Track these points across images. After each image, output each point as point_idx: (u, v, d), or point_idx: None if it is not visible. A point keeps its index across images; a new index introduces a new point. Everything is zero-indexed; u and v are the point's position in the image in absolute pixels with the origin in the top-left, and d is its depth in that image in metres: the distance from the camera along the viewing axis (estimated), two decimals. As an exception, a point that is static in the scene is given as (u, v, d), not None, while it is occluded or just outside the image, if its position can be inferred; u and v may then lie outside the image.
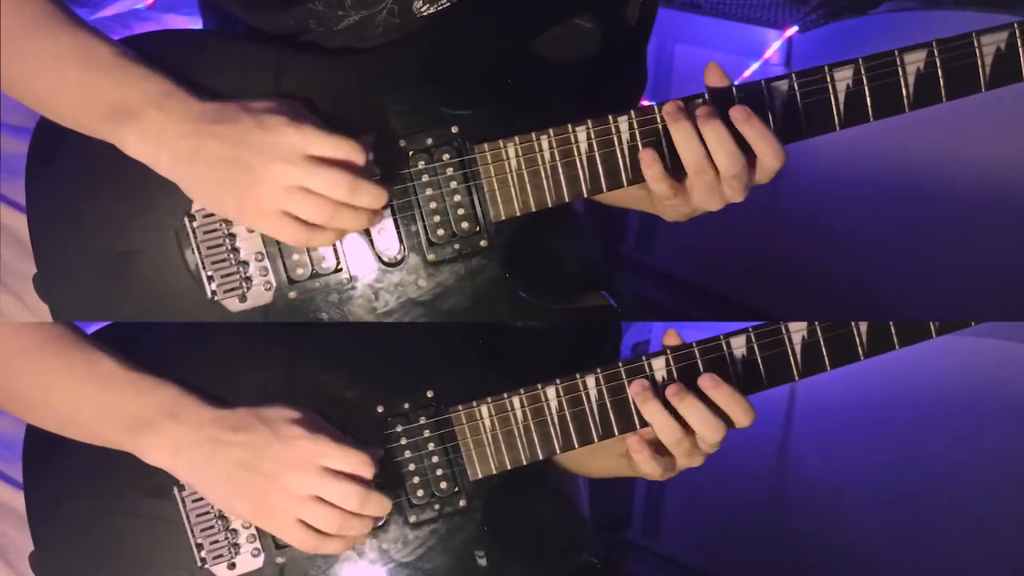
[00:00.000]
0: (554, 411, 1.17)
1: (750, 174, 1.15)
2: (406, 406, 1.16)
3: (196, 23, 1.34)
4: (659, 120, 1.15)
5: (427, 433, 1.16)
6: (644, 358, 1.18)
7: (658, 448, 1.17)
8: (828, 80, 1.16)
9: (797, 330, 1.18)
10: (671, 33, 2.65)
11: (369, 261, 1.15)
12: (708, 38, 2.64)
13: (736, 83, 1.17)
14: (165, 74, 1.08)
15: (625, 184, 1.16)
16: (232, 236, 1.14)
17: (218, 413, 1.11)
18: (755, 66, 2.51)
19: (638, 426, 1.18)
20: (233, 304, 1.15)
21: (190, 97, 1.08)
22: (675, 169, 1.15)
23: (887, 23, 2.31)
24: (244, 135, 1.06)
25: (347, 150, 1.06)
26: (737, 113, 1.13)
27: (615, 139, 1.15)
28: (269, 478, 1.08)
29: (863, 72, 1.16)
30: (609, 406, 1.17)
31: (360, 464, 1.09)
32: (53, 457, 1.17)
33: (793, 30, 2.48)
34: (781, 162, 1.14)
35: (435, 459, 1.16)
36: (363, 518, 1.10)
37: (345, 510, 1.09)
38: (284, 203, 1.06)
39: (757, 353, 1.18)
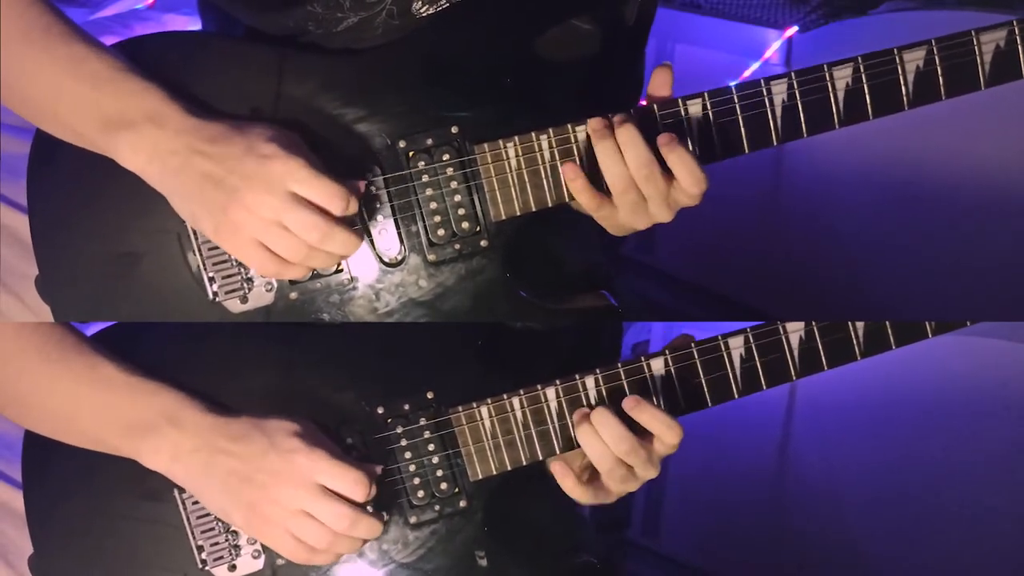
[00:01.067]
0: (554, 412, 1.17)
1: (670, 191, 1.14)
2: (406, 407, 1.16)
3: (196, 23, 1.34)
4: (657, 120, 1.15)
5: (427, 434, 1.16)
6: (643, 359, 1.18)
7: (592, 473, 1.17)
8: (827, 79, 1.16)
9: (795, 330, 1.19)
10: (671, 33, 2.65)
11: (370, 262, 1.15)
12: (708, 38, 2.64)
13: (735, 82, 1.17)
14: (161, 85, 1.08)
15: None
16: (233, 237, 1.14)
17: (218, 420, 1.11)
18: (755, 66, 2.51)
19: (637, 427, 1.18)
20: (234, 305, 1.15)
21: (185, 112, 1.07)
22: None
23: (887, 23, 2.31)
24: (234, 158, 1.06)
25: (328, 196, 1.06)
26: (662, 139, 1.13)
27: None
28: (262, 489, 1.08)
29: (862, 70, 1.16)
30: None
31: (354, 485, 1.09)
32: (53, 458, 1.17)
33: (793, 30, 2.48)
34: (701, 188, 1.14)
35: (435, 460, 1.16)
36: (353, 539, 1.11)
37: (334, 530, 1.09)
38: (259, 234, 1.06)
39: (755, 353, 1.18)
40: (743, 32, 2.55)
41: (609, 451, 1.13)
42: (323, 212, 1.06)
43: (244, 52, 1.17)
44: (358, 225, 1.14)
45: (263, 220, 1.05)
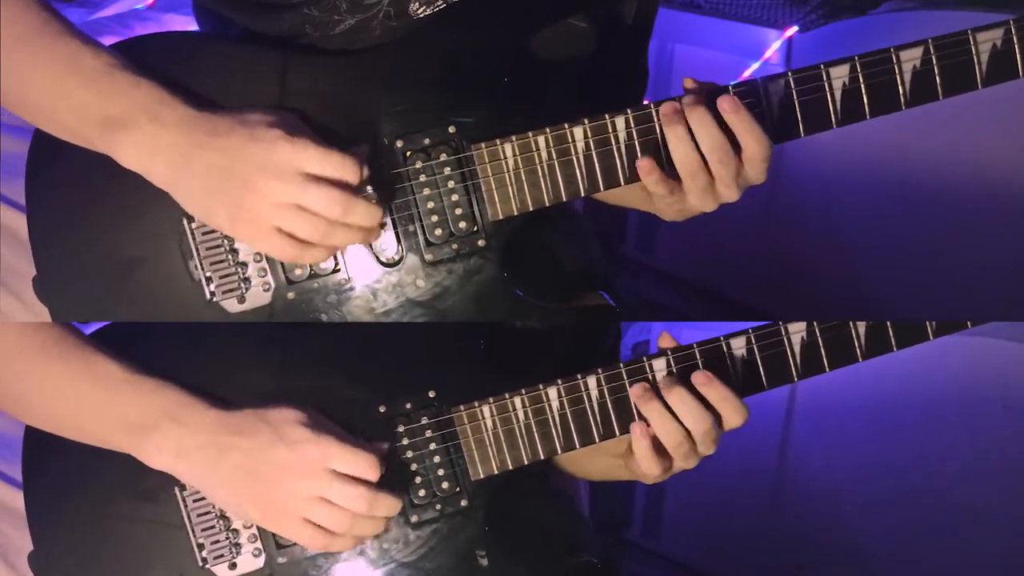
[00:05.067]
0: (555, 411, 1.17)
1: (740, 169, 1.14)
2: (408, 406, 1.16)
3: (195, 24, 1.34)
4: (656, 118, 1.15)
5: (429, 433, 1.16)
6: (645, 359, 1.18)
7: (657, 448, 1.17)
8: (824, 78, 1.16)
9: (796, 331, 1.19)
10: (671, 33, 2.65)
11: (367, 261, 1.15)
12: (708, 38, 2.64)
13: (733, 83, 1.18)
14: (159, 82, 1.08)
15: (622, 183, 1.16)
16: (231, 237, 1.14)
17: (221, 415, 1.11)
18: (755, 66, 2.51)
19: (638, 426, 1.18)
20: (232, 305, 1.15)
21: (184, 105, 1.07)
22: (671, 167, 1.15)
23: (887, 23, 2.31)
24: (238, 148, 1.05)
25: (341, 167, 1.05)
26: (726, 103, 1.12)
27: (612, 138, 1.15)
28: (273, 481, 1.08)
29: (859, 70, 1.16)
30: (610, 406, 1.17)
31: (367, 466, 1.09)
32: (53, 457, 1.17)
33: (793, 30, 2.49)
34: (765, 151, 1.13)
35: (437, 459, 1.16)
36: (374, 518, 1.11)
37: (354, 512, 1.09)
38: (277, 219, 1.05)
39: (757, 354, 1.18)
40: (743, 32, 2.56)
41: (680, 427, 1.14)
42: (339, 185, 1.06)
43: (245, 53, 1.17)
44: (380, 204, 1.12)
45: (279, 206, 1.05)
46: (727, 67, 2.51)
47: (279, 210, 1.05)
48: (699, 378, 1.15)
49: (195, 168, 1.06)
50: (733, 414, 1.15)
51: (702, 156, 1.13)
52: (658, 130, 1.15)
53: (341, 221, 1.06)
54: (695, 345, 1.19)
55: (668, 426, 1.14)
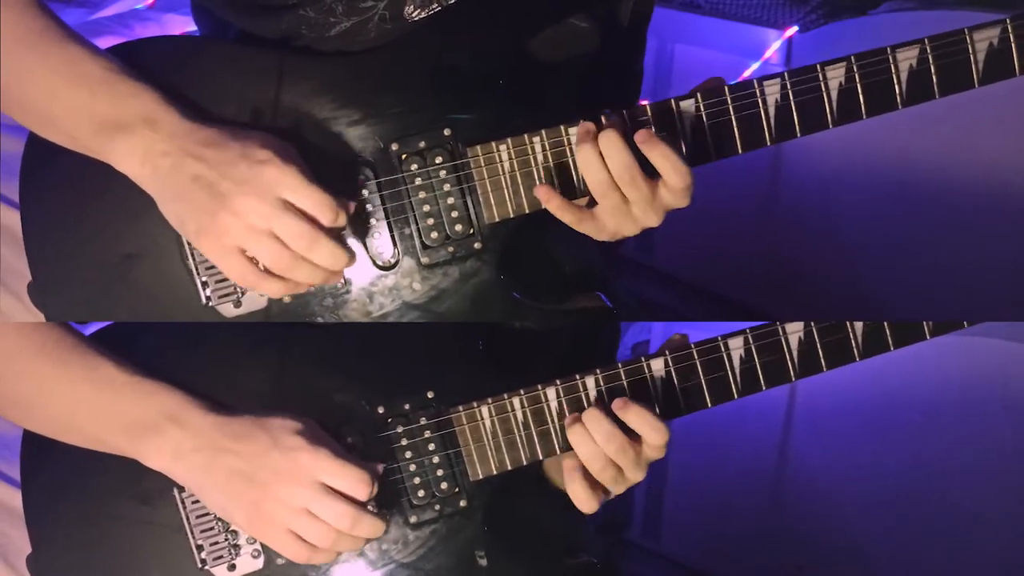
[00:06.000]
0: (554, 411, 1.17)
1: (656, 194, 1.13)
2: (407, 407, 1.17)
3: (194, 24, 1.34)
4: (650, 120, 1.15)
5: (428, 434, 1.16)
6: (643, 359, 1.18)
7: (587, 476, 1.16)
8: (821, 78, 1.16)
9: (794, 331, 1.19)
10: (671, 33, 2.65)
11: (363, 265, 1.15)
12: (708, 38, 2.64)
13: (730, 83, 1.18)
14: (156, 88, 1.08)
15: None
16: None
17: (219, 419, 1.11)
18: (755, 66, 2.51)
19: (636, 428, 1.18)
20: (228, 310, 1.15)
21: (180, 115, 1.07)
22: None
23: (887, 23, 2.31)
24: (228, 163, 1.05)
25: (317, 205, 1.05)
26: (639, 137, 1.11)
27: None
28: (264, 487, 1.08)
29: (856, 70, 1.16)
30: (608, 407, 1.17)
31: (357, 484, 1.08)
32: (52, 457, 1.17)
33: (793, 30, 2.49)
34: (686, 182, 1.12)
35: (436, 460, 1.17)
36: (355, 538, 1.11)
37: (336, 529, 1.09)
38: (245, 240, 1.05)
39: (755, 354, 1.19)
40: (743, 32, 2.56)
41: (599, 450, 1.14)
42: (312, 221, 1.05)
43: (243, 56, 1.17)
44: (350, 251, 1.10)
45: (251, 226, 1.05)
46: (727, 67, 2.51)
47: (250, 231, 1.05)
48: (616, 404, 1.14)
49: (179, 176, 1.06)
50: (651, 432, 1.13)
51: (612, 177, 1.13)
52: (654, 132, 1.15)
53: (304, 257, 1.06)
54: (693, 345, 1.19)
55: (588, 448, 1.14)
